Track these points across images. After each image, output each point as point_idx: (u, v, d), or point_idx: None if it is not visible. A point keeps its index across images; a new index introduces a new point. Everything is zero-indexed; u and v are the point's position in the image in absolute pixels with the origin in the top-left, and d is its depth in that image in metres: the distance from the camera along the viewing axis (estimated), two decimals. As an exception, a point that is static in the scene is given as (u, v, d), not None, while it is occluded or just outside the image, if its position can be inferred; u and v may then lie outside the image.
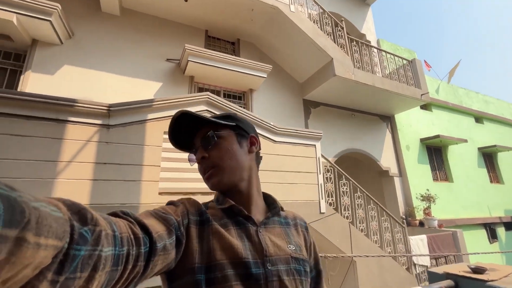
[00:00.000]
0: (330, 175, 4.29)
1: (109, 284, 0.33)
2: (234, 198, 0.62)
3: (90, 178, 2.54)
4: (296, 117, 5.64)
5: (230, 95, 5.21)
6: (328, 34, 5.18)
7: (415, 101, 6.29)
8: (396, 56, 6.34)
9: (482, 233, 7.57)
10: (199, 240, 0.53)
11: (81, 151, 2.57)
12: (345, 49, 5.30)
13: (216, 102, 3.40)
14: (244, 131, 0.67)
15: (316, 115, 5.88)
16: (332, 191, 4.21)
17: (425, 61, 8.36)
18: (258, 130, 3.65)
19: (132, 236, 0.38)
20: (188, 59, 4.30)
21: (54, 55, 3.92)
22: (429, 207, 6.18)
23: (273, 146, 3.77)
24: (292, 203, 3.64)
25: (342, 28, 5.43)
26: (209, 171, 0.60)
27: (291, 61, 5.66)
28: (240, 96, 5.30)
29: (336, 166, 4.40)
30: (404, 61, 6.50)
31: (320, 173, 3.99)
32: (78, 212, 0.30)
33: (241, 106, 5.11)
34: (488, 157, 9.18)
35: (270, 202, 0.69)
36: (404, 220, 5.81)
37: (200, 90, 4.85)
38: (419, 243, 4.75)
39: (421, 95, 6.19)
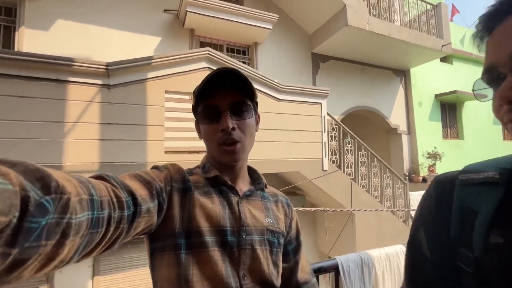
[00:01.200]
0: (335, 133, 4.26)
1: (89, 246, 0.34)
2: (225, 169, 0.64)
3: (97, 138, 2.63)
4: (304, 72, 5.37)
5: (234, 50, 4.93)
6: (342, -25, 4.58)
7: (435, 53, 5.80)
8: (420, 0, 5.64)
9: (485, 189, 7.67)
10: (181, 208, 0.56)
11: (85, 111, 2.61)
12: (361, -7, 4.73)
13: (218, 59, 3.25)
14: (257, 107, 0.66)
15: (325, 70, 5.58)
16: (336, 149, 4.24)
17: (453, 5, 7.44)
18: (261, 88, 3.54)
19: (114, 200, 0.39)
20: (187, 10, 3.98)
21: (45, 7, 3.70)
22: (434, 164, 6.20)
23: (277, 104, 3.69)
24: (295, 161, 3.73)
25: (360, -33, 4.75)
26: (233, 144, 0.59)
27: (299, 9, 5.15)
28: (244, 51, 5.02)
29: (342, 124, 4.34)
30: (428, 6, 5.79)
31: (324, 132, 3.97)
32: (40, 180, 0.28)
33: (245, 62, 4.89)
34: (506, 113, 8.77)
35: (255, 176, 0.71)
36: (407, 177, 5.91)
37: (202, 44, 4.60)
38: (418, 198, 4.91)
39: (442, 46, 5.66)
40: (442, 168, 6.49)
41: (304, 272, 0.70)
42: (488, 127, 8.07)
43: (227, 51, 4.83)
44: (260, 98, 3.37)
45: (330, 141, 4.17)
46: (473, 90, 0.43)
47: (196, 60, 3.12)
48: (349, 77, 5.84)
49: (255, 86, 3.30)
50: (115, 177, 0.44)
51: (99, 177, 0.42)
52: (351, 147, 4.37)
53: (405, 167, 6.35)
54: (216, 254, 0.54)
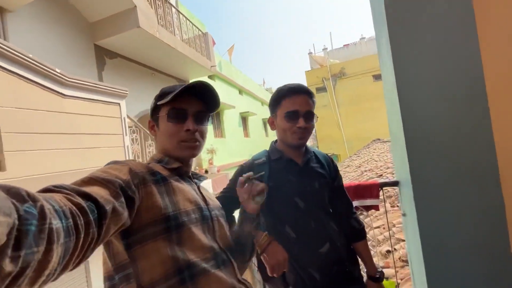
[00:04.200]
0: (136, 136, 4.11)
1: (66, 255, 0.33)
2: (182, 163, 0.73)
3: None
4: (87, 66, 4.53)
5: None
6: (130, -26, 4.45)
7: (206, 71, 7.36)
8: (194, 25, 6.87)
9: (239, 172, 11.09)
10: (161, 195, 0.60)
11: None
12: (149, 1, 4.89)
13: None
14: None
15: (113, 68, 5.07)
16: (139, 152, 4.12)
17: (212, 37, 9.78)
18: (34, 78, 2.61)
19: (74, 208, 0.37)
20: None
21: None
22: (212, 158, 7.91)
23: (61, 101, 2.91)
24: (92, 170, 3.15)
25: (146, -26, 4.87)
26: (194, 142, 0.71)
27: (75, -12, 4.25)
28: (-24, 14, 3.24)
29: (142, 126, 4.28)
30: (200, 32, 7.21)
31: (126, 135, 3.72)
32: (9, 191, 0.27)
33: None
34: (244, 119, 13.13)
35: (194, 173, 0.81)
36: (195, 170, 7.03)
37: None
38: (206, 186, 6.12)
39: (211, 66, 7.35)
40: (217, 160, 8.42)
41: None
42: (236, 128, 11.65)
43: None
44: (34, 92, 2.50)
45: (132, 145, 3.97)
46: (269, 119, 1.04)
47: None
48: (139, 79, 5.78)
49: (16, 70, 2.40)
50: (65, 185, 0.41)
51: (47, 191, 0.39)
52: (152, 149, 4.44)
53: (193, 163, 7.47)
54: (199, 227, 0.64)
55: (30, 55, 2.60)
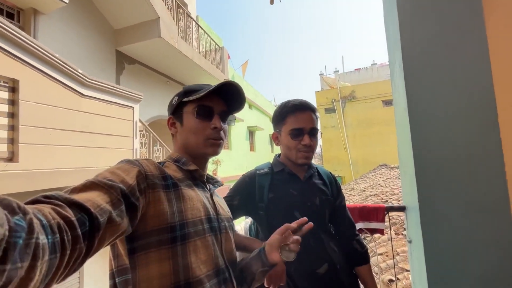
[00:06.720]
0: (145, 140, 4.19)
1: (50, 272, 0.31)
2: (199, 165, 0.71)
3: None
4: (106, 69, 4.71)
5: (-10, 5, 3.25)
6: (157, -12, 4.72)
7: (218, 82, 7.54)
8: (212, 39, 7.13)
9: (241, 185, 10.99)
10: (169, 203, 0.57)
11: None
12: (172, 13, 5.14)
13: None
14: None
15: (130, 73, 5.27)
16: (147, 156, 4.18)
17: (227, 51, 10.10)
18: (57, 76, 2.73)
19: (62, 222, 0.34)
20: None
21: None
22: (216, 169, 7.92)
23: (79, 100, 3.02)
24: (102, 170, 3.20)
25: (171, -11, 5.17)
26: (219, 140, 0.70)
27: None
28: (12, 14, 3.47)
29: (152, 131, 4.37)
30: (216, 46, 7.48)
31: (136, 138, 3.80)
32: (0, 202, 0.27)
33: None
34: (251, 133, 13.22)
35: (209, 176, 0.77)
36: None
37: None
38: (209, 196, 6.07)
39: (224, 79, 7.54)
40: (221, 171, 8.42)
41: None
42: (243, 141, 11.71)
43: (-25, 2, 3.09)
44: (56, 89, 2.61)
45: (140, 148, 4.04)
46: (273, 134, 1.05)
47: None
48: (154, 85, 5.96)
49: (42, 67, 2.52)
50: (56, 195, 0.39)
51: (34, 201, 0.37)
52: (160, 154, 4.50)
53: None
54: (208, 239, 0.61)
55: (57, 55, 2.75)
